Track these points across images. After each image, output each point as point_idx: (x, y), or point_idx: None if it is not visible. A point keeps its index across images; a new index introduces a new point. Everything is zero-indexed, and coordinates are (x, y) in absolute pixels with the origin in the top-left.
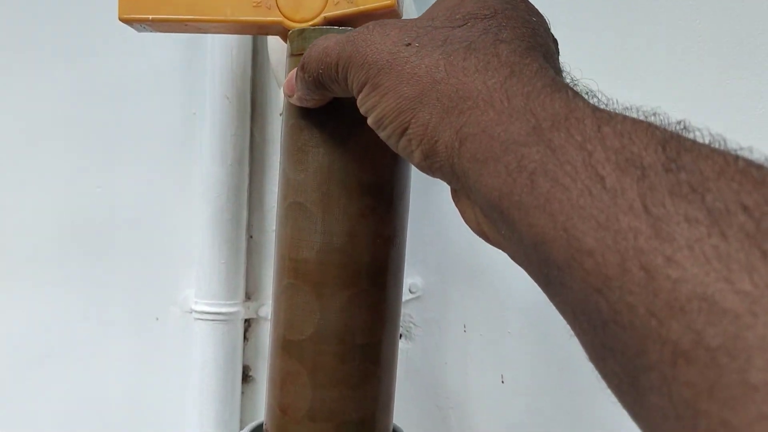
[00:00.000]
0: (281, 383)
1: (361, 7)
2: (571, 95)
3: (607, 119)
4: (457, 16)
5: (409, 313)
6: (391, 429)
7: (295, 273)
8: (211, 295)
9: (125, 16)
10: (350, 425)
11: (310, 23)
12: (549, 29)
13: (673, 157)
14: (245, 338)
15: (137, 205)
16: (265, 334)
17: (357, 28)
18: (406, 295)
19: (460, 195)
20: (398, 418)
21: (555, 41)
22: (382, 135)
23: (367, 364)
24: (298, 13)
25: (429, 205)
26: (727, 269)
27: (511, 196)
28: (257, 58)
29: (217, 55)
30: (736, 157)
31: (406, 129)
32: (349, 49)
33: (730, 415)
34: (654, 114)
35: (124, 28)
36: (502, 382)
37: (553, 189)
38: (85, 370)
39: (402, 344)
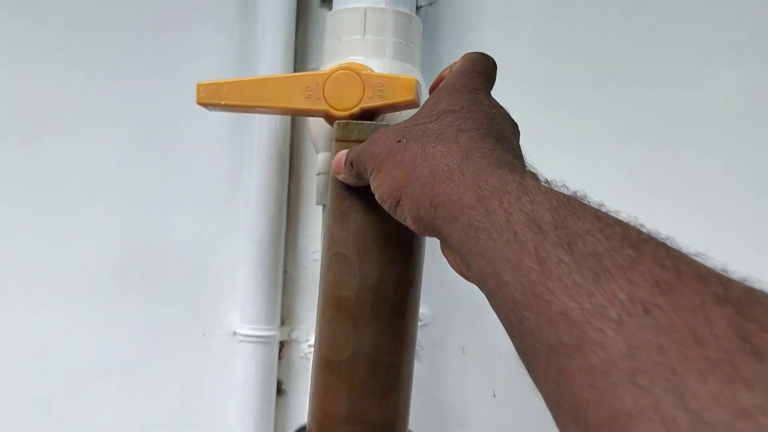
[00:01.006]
0: (323, 394)
1: (389, 101)
2: (508, 171)
3: (527, 191)
4: (433, 112)
5: (418, 338)
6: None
7: (337, 308)
8: (254, 320)
9: (202, 102)
10: (378, 427)
11: (350, 112)
12: (508, 117)
13: (561, 219)
14: (279, 357)
15: (191, 245)
16: (296, 354)
17: (374, 134)
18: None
19: (443, 245)
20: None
21: (514, 125)
22: (385, 207)
23: (391, 379)
24: (341, 104)
25: (434, 251)
26: (578, 294)
27: (467, 245)
28: (296, 125)
29: (264, 122)
30: (600, 218)
31: (399, 201)
32: (367, 149)
33: (573, 386)
34: (563, 186)
35: (186, 93)
36: (494, 396)
37: (487, 240)
38: (140, 385)
39: None
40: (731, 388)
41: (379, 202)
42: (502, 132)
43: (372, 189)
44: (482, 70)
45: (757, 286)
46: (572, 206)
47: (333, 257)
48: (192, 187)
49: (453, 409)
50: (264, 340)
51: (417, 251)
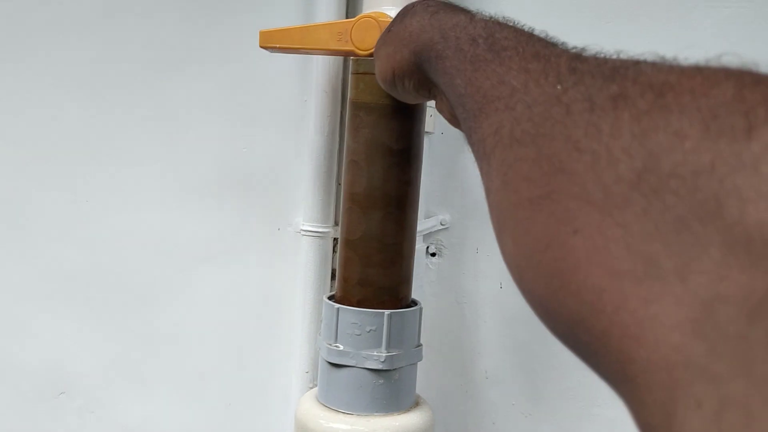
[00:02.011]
0: (344, 264)
1: None
2: (462, 13)
3: (473, 21)
4: (408, 5)
5: (441, 238)
6: (410, 297)
7: (351, 200)
8: (313, 219)
9: (263, 45)
10: (383, 289)
11: (370, 51)
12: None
13: (490, 33)
14: (333, 250)
15: (268, 162)
16: None
17: None
18: (438, 227)
19: (437, 101)
20: (429, 307)
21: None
22: (387, 87)
23: (394, 255)
24: (363, 45)
25: (456, 172)
26: (490, 76)
27: (440, 72)
28: (346, 65)
29: (320, 63)
30: (518, 30)
31: (393, 70)
32: (374, 51)
33: (485, 118)
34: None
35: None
36: (501, 287)
37: (446, 61)
38: (233, 267)
39: (435, 260)
40: (553, 88)
41: (381, 84)
42: (464, 8)
43: (377, 76)
44: None
45: (602, 54)
46: (500, 25)
47: (349, 163)
48: (269, 116)
49: (467, 296)
50: (321, 235)
51: (414, 158)
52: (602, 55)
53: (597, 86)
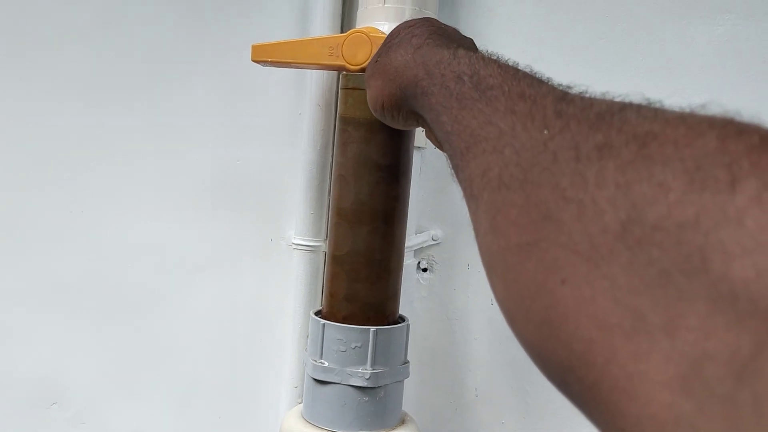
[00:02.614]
0: (330, 279)
1: None
2: (445, 49)
3: (457, 58)
4: (394, 33)
5: (432, 254)
6: (397, 313)
7: (339, 215)
8: (304, 233)
9: (255, 59)
10: (370, 305)
11: (361, 66)
12: (459, 32)
13: (475, 71)
14: (325, 263)
15: (261, 173)
16: None
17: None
18: (429, 242)
19: (426, 130)
20: (420, 324)
21: (468, 38)
22: (378, 116)
23: (381, 270)
24: (354, 60)
25: (447, 187)
26: (477, 116)
27: (425, 108)
28: (339, 80)
29: (315, 76)
30: (501, 66)
31: (382, 103)
32: (365, 80)
33: (470, 160)
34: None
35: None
36: (492, 304)
37: (431, 97)
38: (227, 277)
39: (426, 275)
40: (540, 133)
41: (373, 113)
42: (448, 33)
43: (368, 103)
44: None
45: (588, 94)
46: (485, 61)
47: (336, 177)
48: (263, 128)
49: (458, 312)
50: (312, 249)
51: (402, 175)
52: (588, 97)
53: (583, 134)
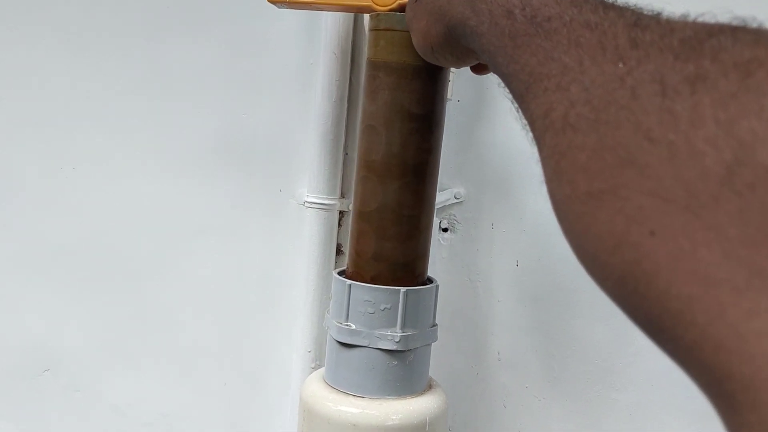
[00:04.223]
0: (357, 237)
1: None
2: None
3: None
4: None
5: (454, 213)
6: (426, 273)
7: (367, 169)
8: (318, 191)
9: (272, 0)
10: (399, 265)
11: (389, 7)
12: None
13: (526, 1)
14: (339, 224)
15: (270, 127)
16: None
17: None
18: (451, 200)
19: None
20: (441, 286)
21: None
22: (427, 58)
23: (411, 228)
24: (382, 0)
25: (472, 143)
26: (536, 52)
27: (476, 47)
28: (357, 25)
29: (330, 22)
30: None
31: (430, 44)
32: (407, 22)
33: (539, 96)
34: None
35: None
36: (517, 265)
37: (482, 37)
38: (233, 239)
39: (447, 235)
40: (613, 67)
41: (422, 56)
42: None
43: (415, 47)
44: None
45: (671, 14)
46: None
47: (365, 128)
48: (272, 81)
49: (481, 274)
50: (327, 208)
51: (435, 125)
52: (665, 20)
53: (667, 65)
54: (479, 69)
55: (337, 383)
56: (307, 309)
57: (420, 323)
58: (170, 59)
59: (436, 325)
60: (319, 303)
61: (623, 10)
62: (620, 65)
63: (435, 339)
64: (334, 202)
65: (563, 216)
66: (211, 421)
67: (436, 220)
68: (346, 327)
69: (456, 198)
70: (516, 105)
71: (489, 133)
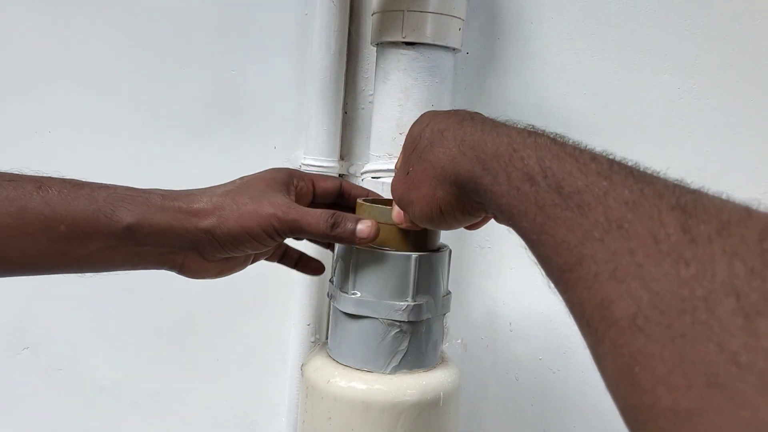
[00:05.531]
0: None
1: None
2: (496, 135)
3: (515, 149)
4: (415, 138)
5: None
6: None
7: None
8: (316, 153)
9: None
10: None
11: None
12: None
13: (547, 167)
14: None
15: (262, 84)
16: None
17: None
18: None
19: None
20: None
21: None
22: (433, 227)
23: None
24: None
25: (483, 97)
26: (571, 226)
27: (492, 207)
28: None
29: None
30: (577, 158)
31: (440, 209)
32: (396, 197)
33: (576, 291)
34: (543, 130)
35: None
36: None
37: (500, 199)
38: None
39: None
40: (676, 267)
41: (428, 226)
42: (469, 114)
43: (416, 220)
44: None
45: (705, 191)
46: (553, 152)
47: None
48: (263, 34)
49: (491, 240)
50: (325, 170)
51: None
52: (706, 198)
53: (737, 273)
54: (473, 226)
55: (343, 358)
56: (304, 279)
57: (433, 292)
58: (153, 10)
59: (450, 293)
60: None
61: (656, 184)
62: (683, 267)
63: (448, 309)
64: (333, 164)
65: (641, 424)
66: (204, 399)
67: None
68: (352, 296)
69: None
70: (545, 269)
71: (500, 88)
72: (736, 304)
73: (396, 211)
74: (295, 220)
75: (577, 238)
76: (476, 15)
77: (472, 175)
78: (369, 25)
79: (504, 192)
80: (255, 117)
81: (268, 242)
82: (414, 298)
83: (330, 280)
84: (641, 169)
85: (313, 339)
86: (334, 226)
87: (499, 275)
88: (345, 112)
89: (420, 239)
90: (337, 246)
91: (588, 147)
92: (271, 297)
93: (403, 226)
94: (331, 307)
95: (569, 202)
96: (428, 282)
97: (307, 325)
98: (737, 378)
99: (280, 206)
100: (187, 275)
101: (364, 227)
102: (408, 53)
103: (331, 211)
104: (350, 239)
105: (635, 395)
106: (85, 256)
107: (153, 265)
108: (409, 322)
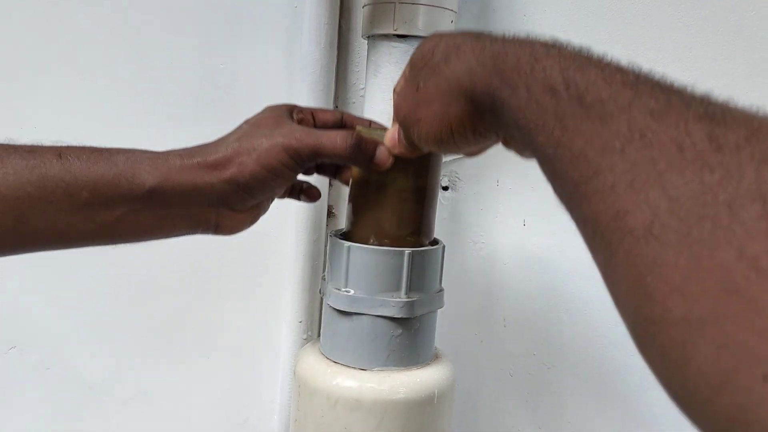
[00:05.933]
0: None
1: None
2: (517, 46)
3: (537, 59)
4: (424, 53)
5: (455, 169)
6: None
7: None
8: None
9: None
10: None
11: None
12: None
13: (570, 77)
14: (330, 184)
15: (252, 77)
16: None
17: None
18: (453, 155)
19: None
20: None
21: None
22: (441, 150)
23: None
24: None
25: None
26: (590, 138)
27: (508, 123)
28: None
29: None
30: (603, 68)
31: (450, 129)
32: (401, 114)
33: (591, 204)
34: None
35: None
36: (524, 225)
37: (518, 112)
38: None
39: (448, 194)
40: (699, 174)
41: (435, 148)
42: (486, 32)
43: (421, 142)
44: None
45: (733, 105)
46: (577, 63)
47: None
48: (253, 23)
49: (486, 235)
50: None
51: None
52: (739, 111)
53: (763, 177)
54: (476, 152)
55: (335, 355)
56: (296, 275)
57: (426, 288)
58: (142, 1)
59: (443, 289)
60: (309, 268)
61: (683, 95)
62: (707, 173)
63: (441, 305)
64: None
65: (650, 338)
66: (195, 397)
67: None
68: (345, 293)
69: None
70: (555, 186)
71: None
72: (763, 209)
73: (390, 135)
74: (314, 143)
75: (595, 150)
76: (468, 7)
77: (489, 87)
78: (360, 17)
79: (522, 105)
80: (245, 110)
81: (290, 175)
82: (407, 294)
83: (322, 277)
84: (669, 82)
85: (305, 336)
86: (355, 146)
87: (493, 271)
88: (336, 106)
89: (420, 169)
90: (330, 246)
91: (615, 59)
92: (263, 294)
93: (395, 151)
94: (324, 303)
95: (591, 112)
96: (421, 278)
97: (299, 322)
98: (755, 284)
99: (294, 135)
100: (223, 233)
101: (381, 155)
102: (400, 46)
103: (350, 131)
104: (367, 163)
105: (646, 307)
106: (113, 223)
107: (186, 228)
108: (402, 319)
